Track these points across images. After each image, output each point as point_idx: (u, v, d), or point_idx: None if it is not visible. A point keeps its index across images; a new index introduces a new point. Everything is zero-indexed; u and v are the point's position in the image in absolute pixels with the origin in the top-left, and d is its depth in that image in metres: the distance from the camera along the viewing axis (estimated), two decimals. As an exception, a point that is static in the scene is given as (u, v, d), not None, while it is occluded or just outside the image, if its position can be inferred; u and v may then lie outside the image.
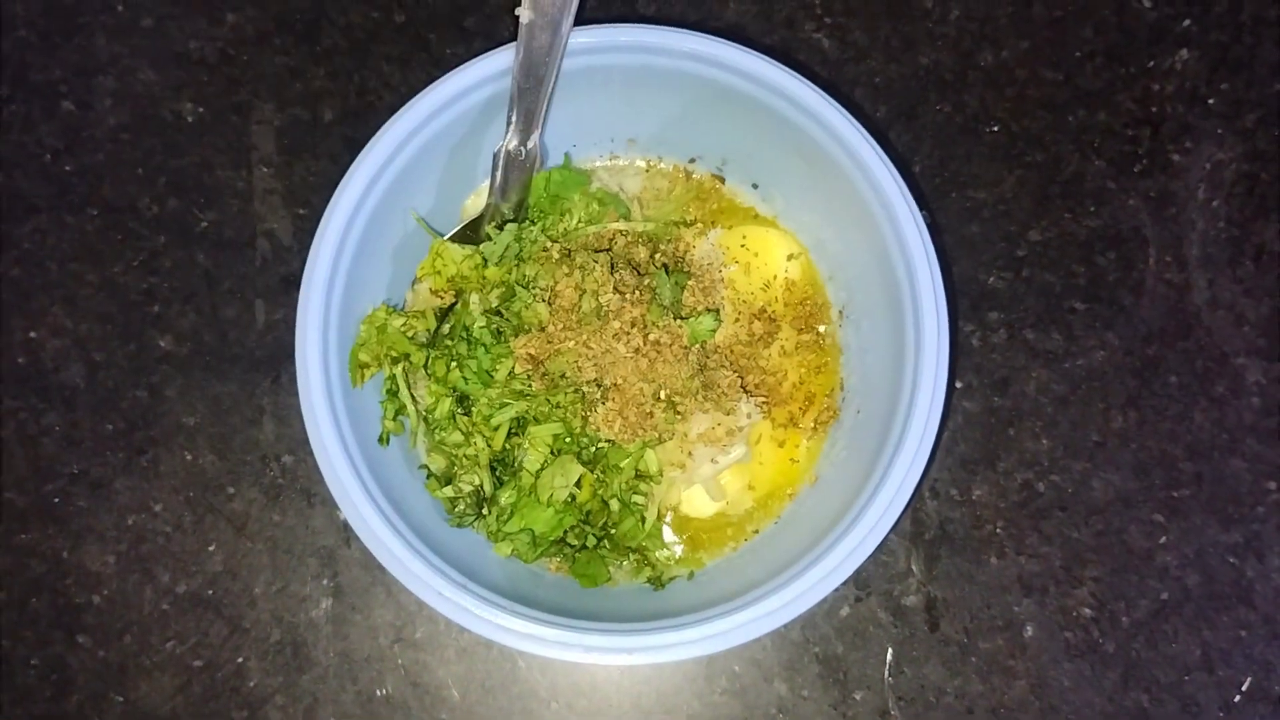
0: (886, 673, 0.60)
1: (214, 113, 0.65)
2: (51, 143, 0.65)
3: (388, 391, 0.56)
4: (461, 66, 0.53)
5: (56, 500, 0.61)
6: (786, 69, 0.52)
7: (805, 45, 0.65)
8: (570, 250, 0.56)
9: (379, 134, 0.53)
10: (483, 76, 0.54)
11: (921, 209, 0.65)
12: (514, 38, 0.52)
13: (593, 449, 0.55)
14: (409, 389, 0.56)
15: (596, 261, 0.55)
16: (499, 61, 0.53)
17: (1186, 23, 0.66)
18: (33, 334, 0.63)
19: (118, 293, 0.63)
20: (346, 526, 0.61)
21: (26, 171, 0.64)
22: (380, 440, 0.55)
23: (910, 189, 0.61)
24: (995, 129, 0.65)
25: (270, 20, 0.66)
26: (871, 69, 0.65)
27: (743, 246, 0.59)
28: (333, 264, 0.52)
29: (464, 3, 0.66)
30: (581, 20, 0.52)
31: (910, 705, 0.60)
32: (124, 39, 0.65)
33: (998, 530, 0.61)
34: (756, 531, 0.58)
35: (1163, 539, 0.61)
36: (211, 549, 0.61)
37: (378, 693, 0.60)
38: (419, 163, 0.54)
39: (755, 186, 0.61)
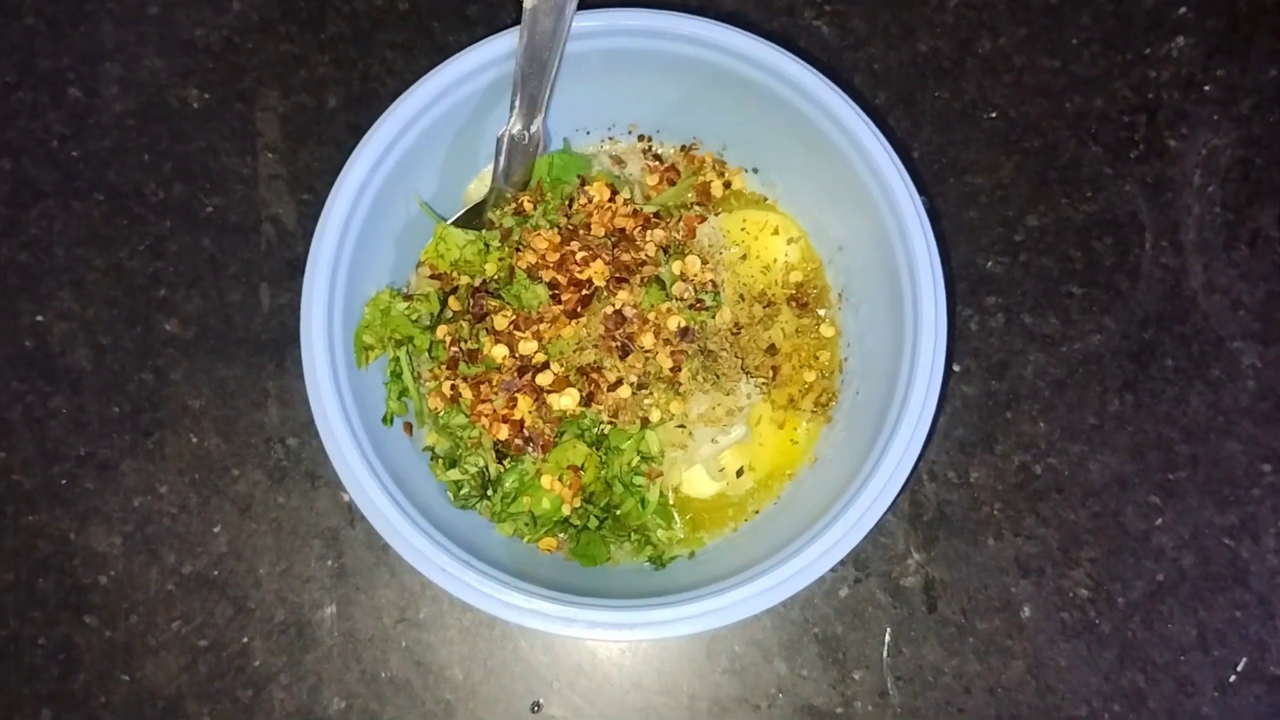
0: (885, 653, 0.61)
1: (219, 99, 0.65)
2: (59, 129, 0.65)
3: (392, 374, 0.57)
4: (463, 51, 0.54)
5: (64, 482, 0.62)
6: (787, 53, 0.53)
7: (805, 32, 0.66)
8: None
9: (381, 119, 0.53)
10: (484, 61, 0.54)
11: (920, 194, 0.66)
12: (516, 24, 0.52)
13: (595, 430, 0.56)
14: (413, 372, 0.57)
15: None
16: (500, 46, 0.54)
17: (1183, 10, 0.66)
18: (40, 318, 0.63)
19: (124, 277, 0.64)
20: (350, 508, 0.61)
21: (34, 157, 0.65)
22: (384, 420, 0.56)
23: (909, 175, 0.61)
24: (993, 115, 0.65)
25: (275, 7, 0.66)
26: (871, 56, 0.66)
27: (743, 230, 0.60)
28: (337, 247, 0.53)
29: (467, -9, 0.67)
30: (584, 4, 0.53)
31: (908, 685, 0.60)
32: (130, 26, 0.66)
33: (995, 512, 0.62)
34: (757, 512, 0.58)
35: (1159, 520, 0.61)
36: (217, 530, 0.62)
37: (382, 673, 0.60)
38: (422, 148, 0.55)
39: (755, 171, 0.61)
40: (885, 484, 0.50)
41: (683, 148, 0.62)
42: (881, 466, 0.50)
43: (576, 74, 0.55)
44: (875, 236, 0.54)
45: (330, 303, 0.52)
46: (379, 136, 0.53)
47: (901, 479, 0.50)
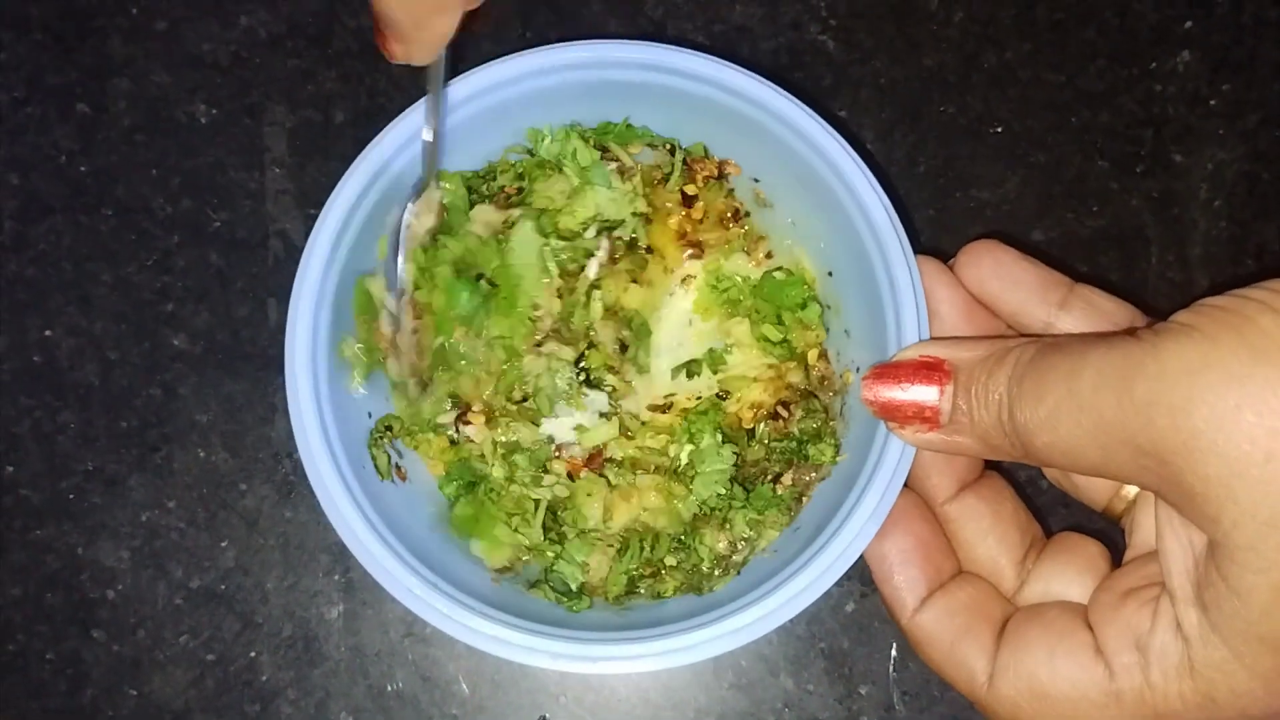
0: (891, 667, 0.61)
1: (227, 114, 0.66)
2: (67, 144, 0.65)
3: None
4: (460, 77, 0.53)
5: (71, 497, 0.62)
6: (774, 87, 0.51)
7: (811, 47, 0.66)
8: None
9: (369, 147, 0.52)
10: (484, 86, 0.53)
11: (926, 209, 0.66)
12: (524, 38, 0.52)
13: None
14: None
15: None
16: (503, 71, 0.53)
17: (1188, 24, 0.66)
18: (48, 332, 0.64)
19: (132, 292, 0.64)
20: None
21: (42, 173, 0.65)
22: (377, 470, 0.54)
23: (914, 190, 0.61)
24: (999, 130, 0.66)
25: (282, 23, 0.66)
26: (876, 70, 0.66)
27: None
28: (322, 278, 0.51)
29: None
30: (571, 36, 0.52)
31: (915, 700, 0.60)
32: (138, 42, 0.66)
33: (1002, 527, 0.62)
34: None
35: (1165, 535, 0.61)
36: (224, 545, 0.62)
37: (389, 687, 0.61)
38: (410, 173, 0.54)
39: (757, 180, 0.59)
40: (875, 508, 0.47)
41: (671, 149, 0.57)
42: (868, 495, 0.47)
43: (559, 103, 0.54)
44: (860, 270, 0.52)
45: (315, 331, 0.51)
46: (371, 157, 0.52)
47: (887, 508, 0.47)
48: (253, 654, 0.61)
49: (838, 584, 0.60)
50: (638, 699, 0.60)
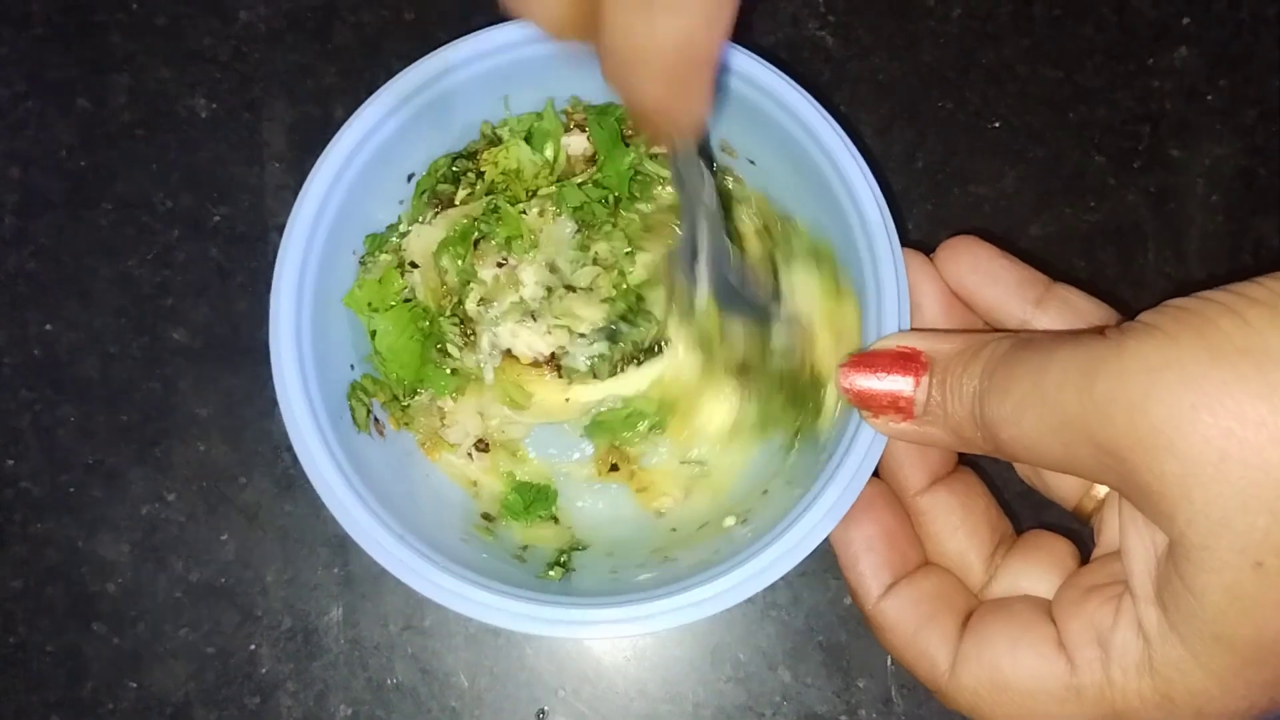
0: (889, 660, 0.61)
1: (227, 109, 0.66)
2: (67, 139, 0.66)
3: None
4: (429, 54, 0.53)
5: (72, 490, 0.62)
6: (777, 71, 0.51)
7: (809, 43, 0.66)
8: None
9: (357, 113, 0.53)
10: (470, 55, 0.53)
11: (924, 204, 0.66)
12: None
13: None
14: None
15: None
16: (494, 39, 0.53)
17: (1186, 21, 0.66)
18: (48, 327, 0.64)
19: (132, 286, 0.64)
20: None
21: (42, 167, 0.65)
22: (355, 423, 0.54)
23: (911, 185, 0.61)
24: (997, 125, 0.66)
25: (282, 18, 0.67)
26: (875, 66, 0.66)
27: None
28: (304, 253, 0.52)
29: (472, 2, 0.67)
30: None
31: (912, 692, 0.61)
32: (138, 37, 0.67)
33: (999, 521, 0.62)
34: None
35: (1162, 529, 0.62)
36: (224, 538, 0.62)
37: (388, 680, 0.61)
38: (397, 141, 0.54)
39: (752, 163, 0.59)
40: (841, 494, 0.46)
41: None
42: (835, 481, 0.47)
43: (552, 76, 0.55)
44: (846, 257, 0.52)
45: (299, 314, 0.51)
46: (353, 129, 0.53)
47: (854, 495, 0.47)
48: (252, 646, 0.61)
49: (835, 577, 0.61)
50: (635, 692, 0.61)
